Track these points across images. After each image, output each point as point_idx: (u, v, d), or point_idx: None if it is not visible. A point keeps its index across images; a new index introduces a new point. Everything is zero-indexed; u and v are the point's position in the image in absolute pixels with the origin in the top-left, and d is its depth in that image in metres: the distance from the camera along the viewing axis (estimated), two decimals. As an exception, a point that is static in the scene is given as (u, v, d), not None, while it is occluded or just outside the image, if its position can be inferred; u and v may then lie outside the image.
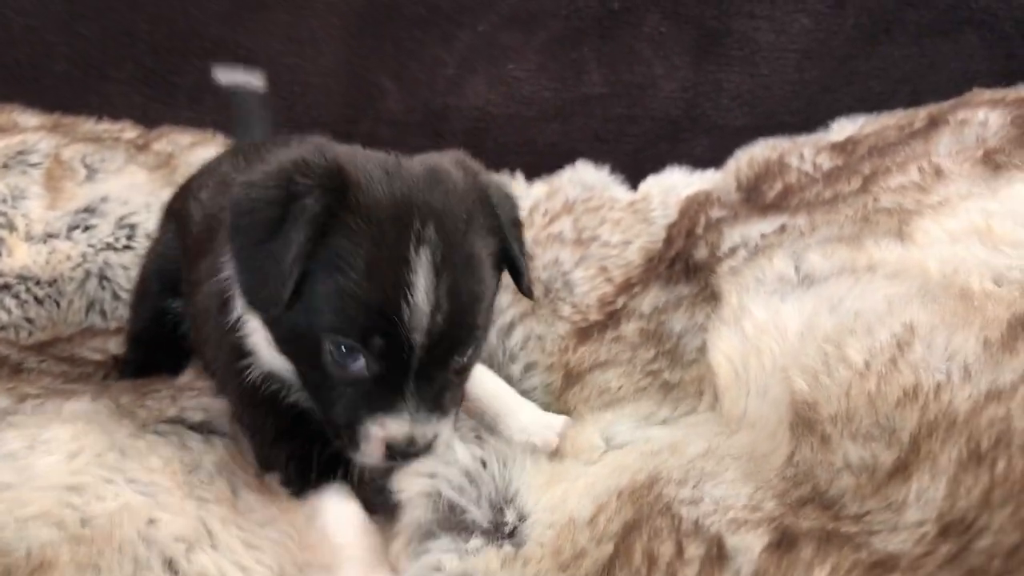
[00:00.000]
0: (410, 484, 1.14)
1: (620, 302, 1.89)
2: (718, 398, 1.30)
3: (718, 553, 0.79)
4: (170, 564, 0.96)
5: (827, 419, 0.98)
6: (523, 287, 1.28)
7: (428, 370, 1.11)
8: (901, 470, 0.85)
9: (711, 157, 2.66)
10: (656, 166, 2.63)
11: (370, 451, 1.12)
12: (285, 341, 1.17)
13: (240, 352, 1.25)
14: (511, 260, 1.25)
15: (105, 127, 2.54)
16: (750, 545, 0.79)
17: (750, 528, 0.83)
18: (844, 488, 0.89)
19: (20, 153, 2.24)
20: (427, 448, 1.13)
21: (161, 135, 2.52)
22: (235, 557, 1.04)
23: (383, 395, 1.11)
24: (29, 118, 2.48)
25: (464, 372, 1.22)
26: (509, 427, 1.38)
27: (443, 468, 1.14)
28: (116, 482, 1.09)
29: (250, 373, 1.25)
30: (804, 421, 1.02)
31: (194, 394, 1.41)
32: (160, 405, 1.32)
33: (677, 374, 1.44)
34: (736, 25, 2.81)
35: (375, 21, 2.76)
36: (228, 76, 2.20)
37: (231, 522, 1.10)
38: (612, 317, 1.81)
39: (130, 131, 2.56)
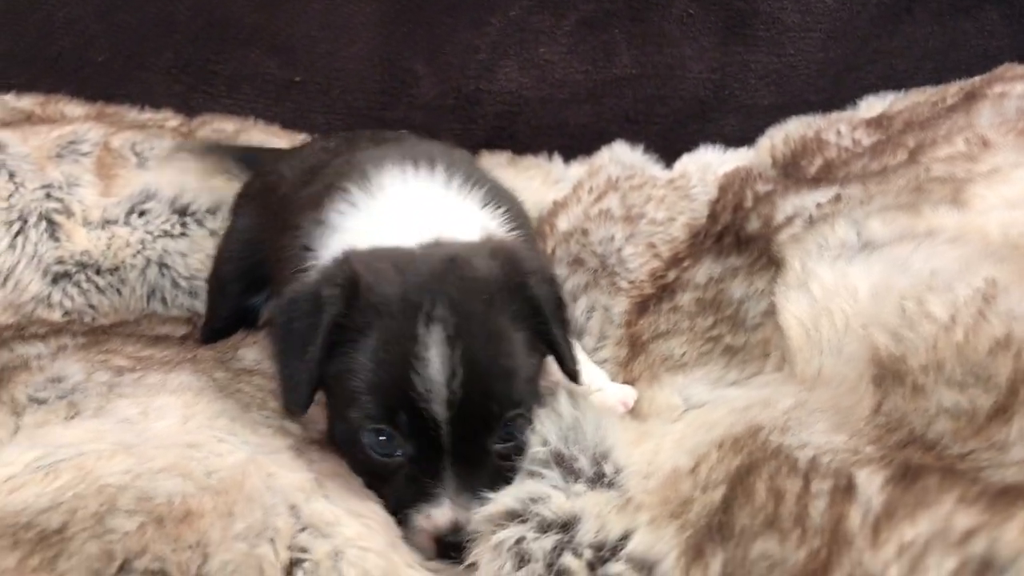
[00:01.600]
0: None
1: (671, 276, 1.94)
2: (787, 360, 1.34)
3: (847, 485, 0.84)
4: (293, 509, 1.01)
5: (917, 369, 1.04)
6: (566, 369, 1.27)
7: (464, 450, 1.12)
8: (1001, 412, 0.91)
9: (740, 136, 2.72)
10: (686, 146, 2.68)
11: (421, 545, 1.11)
12: (339, 443, 1.25)
13: None
14: (552, 344, 1.24)
15: (148, 116, 2.58)
16: (871, 479, 0.84)
17: (862, 465, 0.88)
18: (943, 431, 0.94)
19: (71, 143, 2.26)
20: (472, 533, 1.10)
21: (204, 123, 2.56)
22: (348, 504, 1.09)
23: (422, 482, 1.12)
24: (75, 108, 2.53)
25: (511, 455, 1.17)
26: (586, 391, 1.42)
27: (549, 419, 1.18)
28: (230, 442, 1.14)
29: None
30: (892, 373, 1.07)
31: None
32: (261, 394, 1.36)
33: (741, 338, 1.49)
34: (762, 6, 2.85)
35: (408, 8, 2.80)
36: None
37: (341, 477, 1.16)
38: (666, 290, 1.86)
39: (173, 120, 2.59)
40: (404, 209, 1.36)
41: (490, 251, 1.24)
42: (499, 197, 1.50)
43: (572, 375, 1.27)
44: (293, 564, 0.95)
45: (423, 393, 1.09)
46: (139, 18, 2.69)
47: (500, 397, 1.14)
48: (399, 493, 1.15)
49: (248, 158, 2.28)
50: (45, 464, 1.03)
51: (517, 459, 1.17)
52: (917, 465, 0.84)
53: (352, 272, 1.17)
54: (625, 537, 1.00)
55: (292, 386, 1.19)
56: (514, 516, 1.06)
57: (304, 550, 0.97)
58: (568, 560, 1.00)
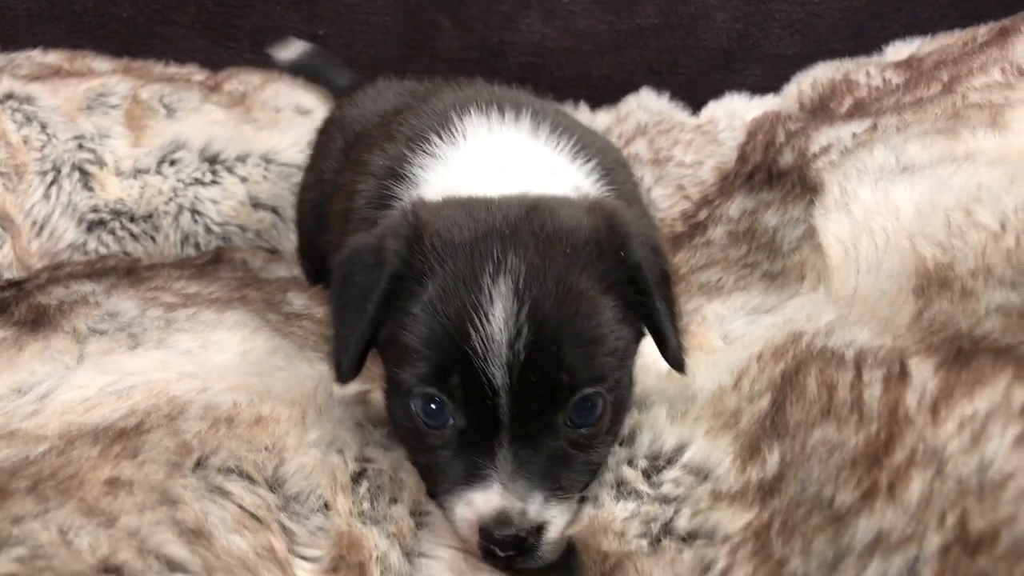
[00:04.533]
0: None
1: (701, 215, 1.95)
2: (822, 280, 1.34)
3: (900, 372, 0.84)
4: (359, 426, 1.03)
5: (966, 274, 1.04)
6: (668, 354, 1.06)
7: (525, 426, 0.95)
8: (1053, 306, 0.91)
9: (764, 86, 2.71)
10: (710, 96, 2.68)
11: (465, 537, 0.96)
12: (389, 413, 1.07)
13: None
14: (651, 318, 1.05)
15: (174, 70, 2.59)
16: (923, 365, 0.85)
17: (911, 355, 0.89)
18: (991, 328, 0.94)
19: (100, 95, 2.28)
20: (530, 534, 0.93)
21: (230, 76, 2.56)
22: None
23: (472, 461, 0.96)
24: (102, 63, 2.53)
25: (587, 444, 1.00)
26: None
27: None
28: (288, 369, 1.16)
29: None
30: (938, 280, 1.07)
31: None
32: (313, 337, 1.38)
33: (779, 264, 1.49)
34: (786, -46, 2.84)
35: (431, -40, 2.80)
36: (286, 53, 2.40)
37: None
38: (697, 228, 1.87)
39: (198, 74, 2.60)
40: (488, 160, 1.22)
41: (586, 207, 1.08)
42: (593, 148, 1.34)
43: (676, 363, 1.06)
44: (360, 473, 0.97)
45: (480, 352, 0.92)
46: (163, -27, 2.69)
47: (573, 367, 0.95)
48: (443, 471, 0.99)
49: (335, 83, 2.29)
50: (117, 389, 1.06)
51: (594, 450, 1.01)
52: (968, 349, 0.85)
53: (418, 221, 1.02)
54: (680, 448, 1.01)
55: (344, 347, 1.02)
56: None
57: (369, 460, 0.99)
58: (625, 470, 1.01)
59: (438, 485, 0.99)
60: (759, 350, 1.13)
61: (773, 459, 0.88)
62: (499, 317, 0.93)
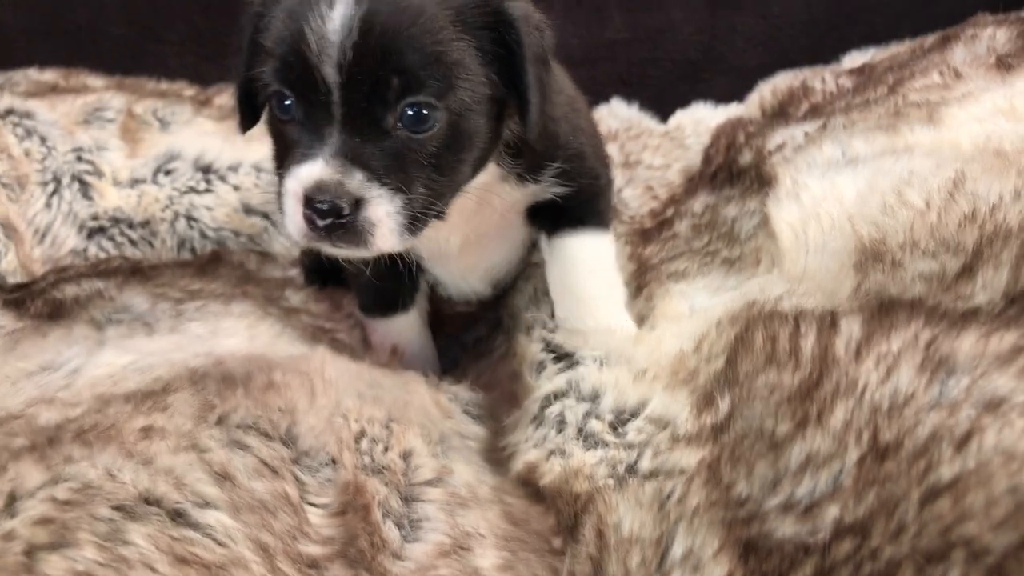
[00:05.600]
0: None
1: (669, 212, 2.08)
2: (776, 262, 1.47)
3: (831, 323, 0.98)
4: (359, 395, 1.15)
5: (896, 247, 1.18)
6: (528, 121, 1.16)
7: (355, 119, 1.06)
8: (967, 270, 1.05)
9: (730, 95, 2.86)
10: (678, 105, 2.83)
11: (290, 214, 1.08)
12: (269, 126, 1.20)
13: None
14: (519, 85, 1.14)
15: (166, 85, 2.70)
16: (851, 319, 0.98)
17: (844, 314, 1.02)
18: (917, 293, 1.08)
19: (96, 110, 2.39)
20: (350, 206, 1.04)
21: (220, 91, 2.68)
22: (393, 380, 1.27)
23: (308, 146, 1.07)
24: (96, 80, 2.64)
25: (423, 153, 1.10)
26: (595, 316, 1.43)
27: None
28: (293, 350, 1.29)
29: None
30: (873, 254, 1.21)
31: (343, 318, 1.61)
32: (311, 328, 1.50)
33: (736, 250, 1.61)
34: (748, -31, 3.00)
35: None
36: None
37: (385, 368, 1.31)
38: (664, 224, 2.00)
39: (189, 89, 2.71)
40: None
41: None
42: None
43: (531, 130, 1.17)
44: (361, 433, 1.09)
45: (315, 50, 1.02)
46: (153, -7, 2.81)
47: (403, 70, 1.04)
48: (283, 159, 1.11)
49: None
50: (140, 366, 1.17)
51: (435, 162, 1.11)
52: (888, 304, 0.99)
53: None
54: (643, 403, 1.14)
55: (235, 91, 1.22)
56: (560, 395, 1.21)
57: (370, 421, 1.11)
58: (593, 423, 1.14)
59: (278, 177, 1.12)
60: (718, 316, 1.26)
61: (724, 404, 1.01)
62: (335, 19, 1.03)
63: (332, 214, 1.04)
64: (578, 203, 1.42)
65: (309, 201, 1.04)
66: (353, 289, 1.54)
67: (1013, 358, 0.79)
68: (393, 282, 1.46)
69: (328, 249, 1.13)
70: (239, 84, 1.21)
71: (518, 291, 1.62)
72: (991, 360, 0.79)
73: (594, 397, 1.20)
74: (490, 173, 1.30)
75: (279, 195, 1.11)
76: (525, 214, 1.47)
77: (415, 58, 1.05)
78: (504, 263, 1.61)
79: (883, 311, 0.96)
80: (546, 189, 1.38)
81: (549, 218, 1.45)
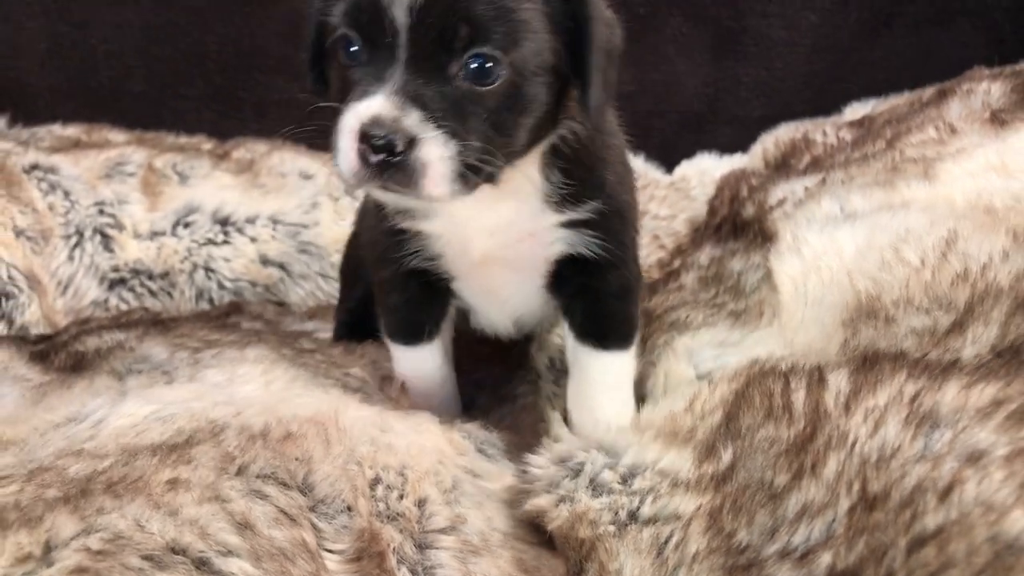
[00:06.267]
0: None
1: (676, 264, 2.13)
2: (776, 313, 1.52)
3: (819, 378, 1.02)
4: (372, 440, 1.19)
5: (890, 304, 1.23)
6: (587, 98, 1.15)
7: (421, 65, 1.06)
8: (958, 326, 1.09)
9: (734, 145, 2.93)
10: (683, 156, 2.89)
11: (344, 150, 1.07)
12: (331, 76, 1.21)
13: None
14: (583, 70, 1.14)
15: (185, 140, 2.78)
16: (838, 373, 1.03)
17: (831, 369, 1.07)
18: (907, 348, 1.13)
19: (118, 164, 2.46)
20: (403, 143, 1.04)
21: (238, 144, 2.76)
22: (406, 423, 1.29)
23: (370, 84, 1.07)
24: (117, 135, 2.73)
25: (484, 105, 1.09)
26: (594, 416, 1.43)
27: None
28: (307, 396, 1.33)
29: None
30: (868, 310, 1.26)
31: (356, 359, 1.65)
32: (324, 366, 1.55)
33: (742, 303, 1.66)
34: (751, 23, 3.07)
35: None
36: None
37: (398, 410, 1.36)
38: (671, 275, 2.05)
39: (207, 143, 2.79)
40: None
41: None
42: None
43: (590, 111, 1.17)
44: (375, 480, 1.14)
45: None
46: (173, 51, 2.91)
47: (472, 20, 1.05)
48: (344, 98, 1.10)
49: None
50: (161, 416, 1.21)
51: (495, 117, 1.10)
52: (871, 357, 1.03)
53: None
54: (658, 459, 1.17)
55: (306, 49, 1.23)
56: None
57: (384, 468, 1.15)
58: (606, 474, 1.18)
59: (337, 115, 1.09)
60: (711, 376, 1.30)
61: (727, 456, 1.05)
62: None
63: (386, 150, 1.04)
64: (606, 309, 1.42)
65: (365, 137, 1.04)
66: (380, 312, 1.54)
67: (993, 412, 0.84)
68: (422, 304, 1.48)
69: (377, 192, 1.15)
70: (312, 40, 1.21)
71: (542, 348, 1.66)
72: (972, 414, 0.84)
73: (615, 453, 1.23)
74: (533, 179, 1.30)
75: (335, 134, 1.09)
76: (548, 273, 1.44)
77: (485, 9, 1.05)
78: (523, 302, 1.56)
79: (868, 364, 1.01)
80: (578, 234, 1.36)
81: (575, 303, 1.44)
